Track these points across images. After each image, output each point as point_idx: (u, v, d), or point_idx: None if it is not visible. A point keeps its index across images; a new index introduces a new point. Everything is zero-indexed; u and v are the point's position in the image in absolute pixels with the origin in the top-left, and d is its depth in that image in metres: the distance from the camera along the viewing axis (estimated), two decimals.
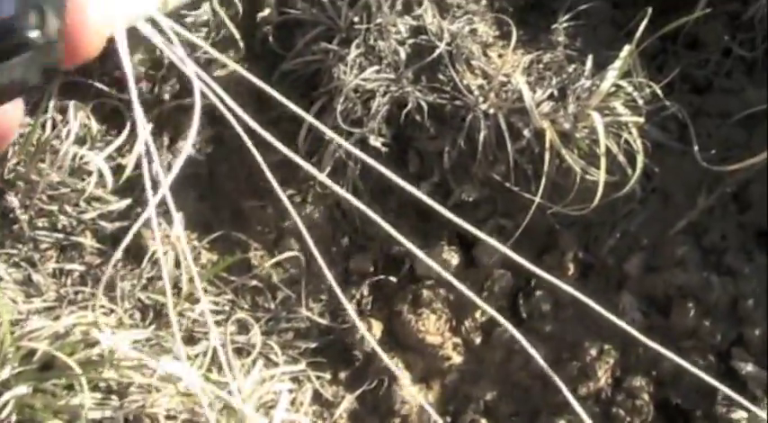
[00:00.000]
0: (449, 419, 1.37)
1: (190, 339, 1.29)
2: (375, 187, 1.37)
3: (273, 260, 1.36)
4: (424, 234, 1.38)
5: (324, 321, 1.37)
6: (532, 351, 0.80)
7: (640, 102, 1.35)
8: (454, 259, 1.38)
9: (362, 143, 1.33)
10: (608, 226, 1.40)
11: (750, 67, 1.43)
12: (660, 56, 1.45)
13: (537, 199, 1.32)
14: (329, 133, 0.79)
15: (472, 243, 1.40)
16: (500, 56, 1.39)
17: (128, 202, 1.31)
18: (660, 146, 1.39)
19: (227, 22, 1.33)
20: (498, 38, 1.41)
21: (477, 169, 1.36)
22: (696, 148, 1.36)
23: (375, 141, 1.34)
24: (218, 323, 1.31)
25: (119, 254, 1.25)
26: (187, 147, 1.30)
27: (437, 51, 1.34)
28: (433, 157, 1.37)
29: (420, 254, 0.80)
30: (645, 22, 1.33)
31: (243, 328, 1.32)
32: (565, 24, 1.42)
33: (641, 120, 1.34)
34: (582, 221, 1.38)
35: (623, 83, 1.34)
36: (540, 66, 1.39)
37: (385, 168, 0.76)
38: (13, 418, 1.12)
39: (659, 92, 1.35)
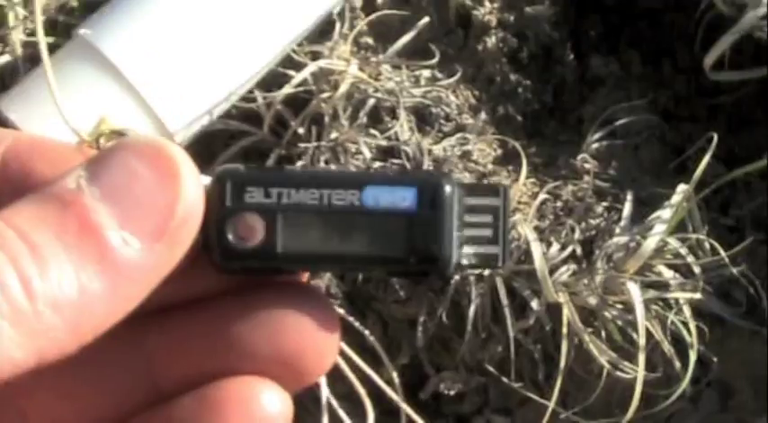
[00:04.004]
0: None
1: None
2: None
3: None
4: None
5: None
6: None
7: (696, 269, 0.95)
8: None
9: None
10: None
11: None
12: (726, 189, 1.04)
13: (551, 404, 0.93)
14: None
15: None
16: None
17: None
18: (720, 322, 0.99)
19: None
20: (502, 161, 1.01)
21: (464, 350, 0.97)
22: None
23: None
24: None
25: None
26: None
27: None
28: (403, 328, 0.98)
29: None
30: (710, 154, 0.93)
31: None
32: (596, 144, 1.01)
33: (697, 295, 0.95)
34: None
35: (672, 241, 0.94)
36: (558, 204, 0.99)
37: None
38: None
39: (724, 255, 0.95)
